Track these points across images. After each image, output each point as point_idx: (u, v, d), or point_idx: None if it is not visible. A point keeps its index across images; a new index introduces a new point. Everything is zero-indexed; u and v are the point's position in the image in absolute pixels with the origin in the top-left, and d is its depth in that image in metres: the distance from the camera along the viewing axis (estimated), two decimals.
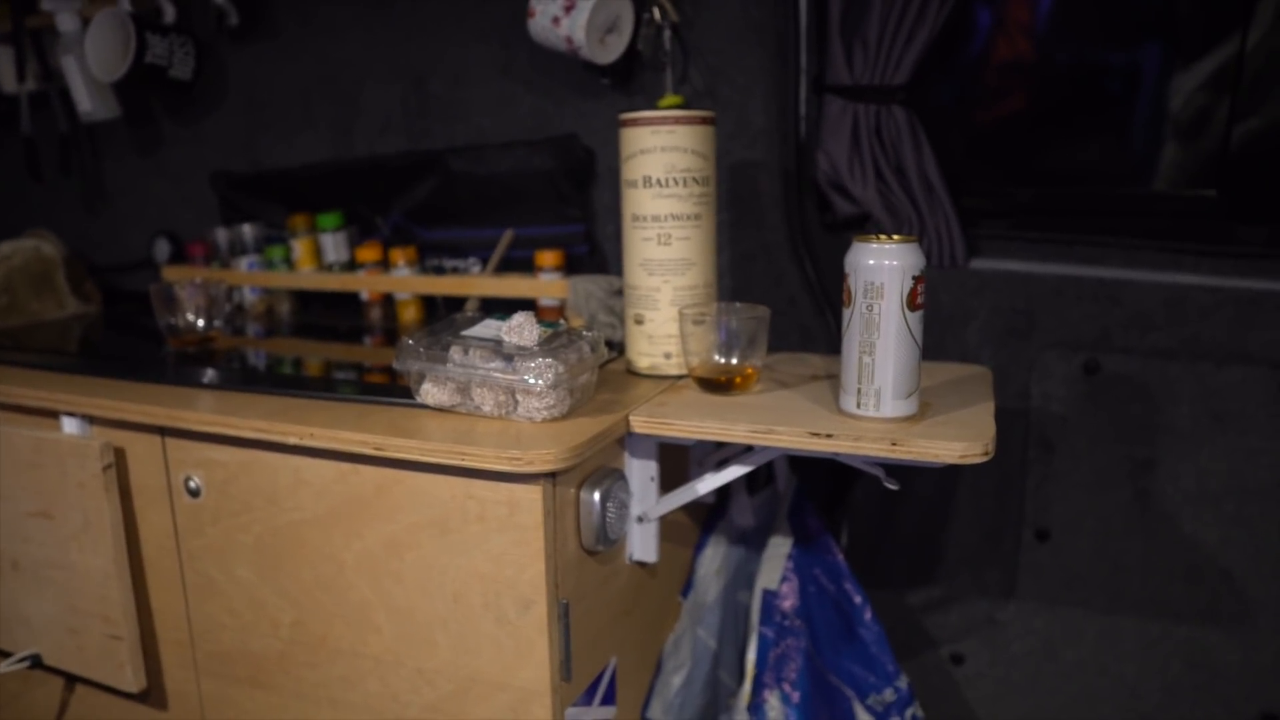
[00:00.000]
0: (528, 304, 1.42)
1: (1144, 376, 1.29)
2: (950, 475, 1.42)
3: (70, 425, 1.15)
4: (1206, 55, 1.29)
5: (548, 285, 1.39)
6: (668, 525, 1.14)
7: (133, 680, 1.16)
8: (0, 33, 1.79)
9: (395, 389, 1.07)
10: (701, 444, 1.12)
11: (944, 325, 1.35)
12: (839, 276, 1.30)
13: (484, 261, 1.50)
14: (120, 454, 1.13)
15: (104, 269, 1.91)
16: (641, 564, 1.11)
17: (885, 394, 0.92)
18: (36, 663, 1.22)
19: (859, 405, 0.93)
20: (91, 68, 1.56)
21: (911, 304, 0.90)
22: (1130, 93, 1.34)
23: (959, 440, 0.87)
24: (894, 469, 0.97)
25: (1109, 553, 1.36)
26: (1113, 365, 1.30)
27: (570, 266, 1.42)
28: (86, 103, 1.68)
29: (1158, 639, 1.36)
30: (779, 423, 0.93)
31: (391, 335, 1.51)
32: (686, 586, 1.28)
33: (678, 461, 1.16)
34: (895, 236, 0.91)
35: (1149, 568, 1.34)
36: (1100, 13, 1.33)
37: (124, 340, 1.61)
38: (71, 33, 1.65)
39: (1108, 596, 1.37)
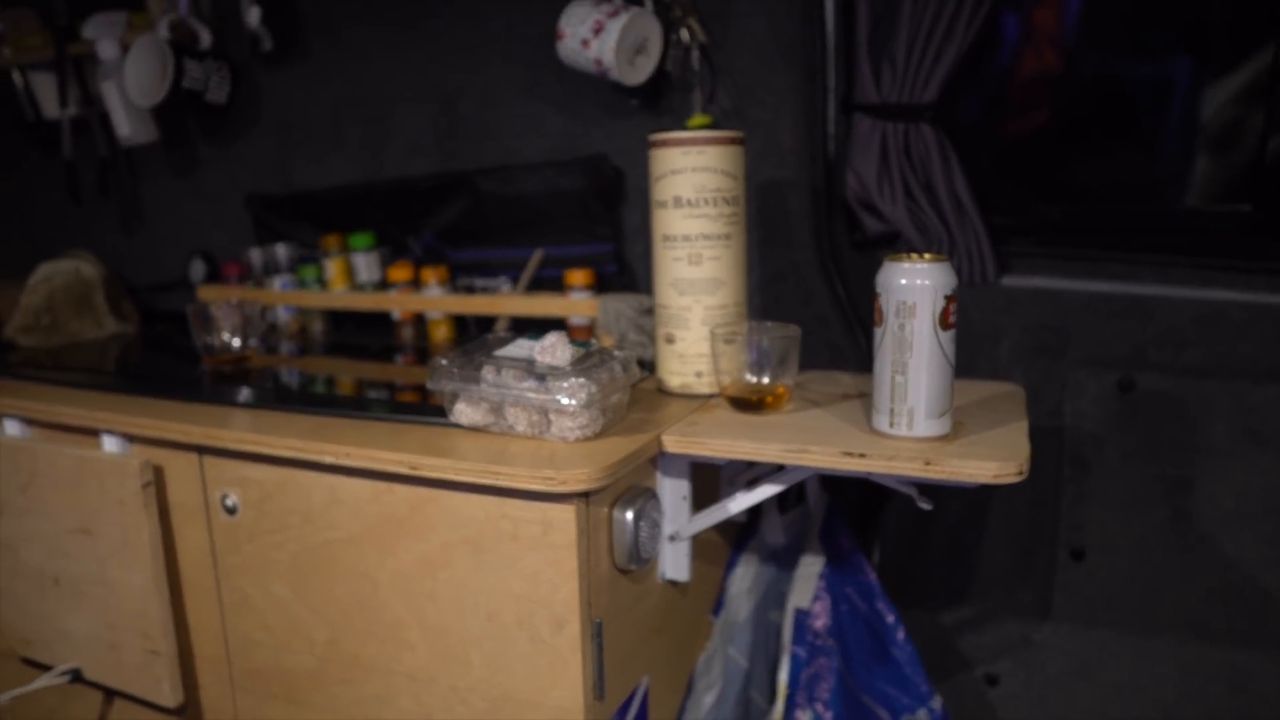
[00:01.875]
0: (558, 323, 1.43)
1: (1179, 394, 1.28)
2: (982, 494, 1.41)
3: (110, 444, 1.17)
4: (1239, 66, 1.28)
5: (578, 304, 1.40)
6: (699, 544, 1.14)
7: (170, 695, 1.17)
8: (43, 60, 1.83)
9: (427, 408, 1.09)
10: (733, 463, 1.12)
11: (975, 343, 1.35)
12: (868, 295, 1.29)
13: (514, 281, 1.51)
14: (159, 472, 1.14)
15: (140, 289, 1.94)
16: (673, 583, 1.11)
17: (918, 413, 0.92)
18: (77, 677, 1.24)
19: (892, 424, 0.93)
20: (130, 93, 1.60)
21: (944, 323, 0.90)
22: (1161, 106, 1.33)
23: (993, 460, 0.87)
24: (926, 488, 0.96)
25: (1146, 573, 1.34)
26: (1147, 383, 1.29)
27: (600, 285, 1.43)
28: (125, 127, 1.71)
29: (1196, 661, 1.34)
30: (812, 442, 0.93)
31: (423, 354, 1.52)
32: (718, 605, 1.28)
33: (709, 480, 1.16)
34: (927, 255, 0.91)
35: (1187, 588, 1.32)
36: (1129, 24, 1.32)
37: (161, 359, 1.63)
38: (111, 60, 1.68)
39: (1145, 617, 1.35)
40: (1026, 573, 1.41)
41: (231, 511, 1.10)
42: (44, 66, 1.85)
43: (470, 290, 1.54)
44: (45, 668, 1.27)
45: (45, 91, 1.88)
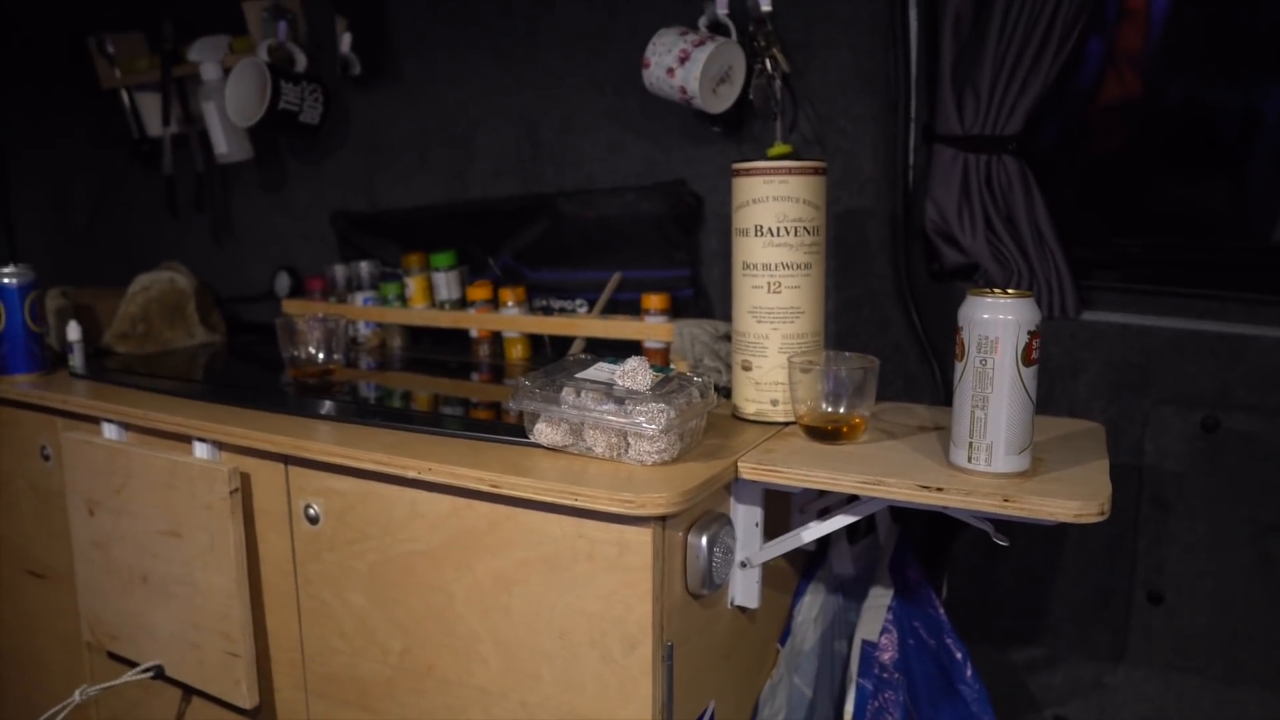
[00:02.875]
0: (633, 346, 1.45)
1: (1269, 436, 1.24)
2: (1056, 532, 1.38)
3: (201, 450, 1.22)
4: None
5: (653, 328, 1.41)
6: (768, 571, 1.14)
7: (247, 696, 1.21)
8: (149, 81, 1.93)
9: (506, 426, 1.11)
10: (805, 491, 1.12)
11: (1053, 377, 1.33)
12: (945, 326, 1.29)
13: (590, 303, 1.53)
14: (246, 479, 1.18)
15: (227, 300, 2.02)
16: (742, 609, 1.11)
17: (997, 449, 0.91)
18: (159, 674, 1.29)
19: (970, 459, 0.93)
20: (230, 113, 1.66)
21: (1026, 359, 0.90)
22: (1251, 135, 1.30)
23: (1074, 499, 0.86)
24: (1000, 524, 0.95)
25: (1229, 619, 1.30)
26: (1233, 423, 1.26)
27: (675, 310, 1.45)
28: (223, 145, 1.79)
29: None
30: (888, 474, 0.93)
31: (498, 371, 1.55)
32: (784, 634, 1.28)
33: (780, 507, 1.16)
34: (1010, 290, 0.90)
35: (1274, 638, 1.28)
36: (1217, 50, 1.30)
37: (247, 369, 1.69)
38: (213, 81, 1.76)
39: (1227, 665, 1.31)
40: (1101, 613, 1.38)
41: (314, 521, 1.14)
42: (149, 87, 1.95)
43: (547, 311, 1.57)
44: (130, 663, 1.31)
45: (149, 110, 1.97)
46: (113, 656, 1.36)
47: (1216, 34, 1.30)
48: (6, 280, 1.46)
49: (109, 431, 1.32)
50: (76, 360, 1.52)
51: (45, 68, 2.17)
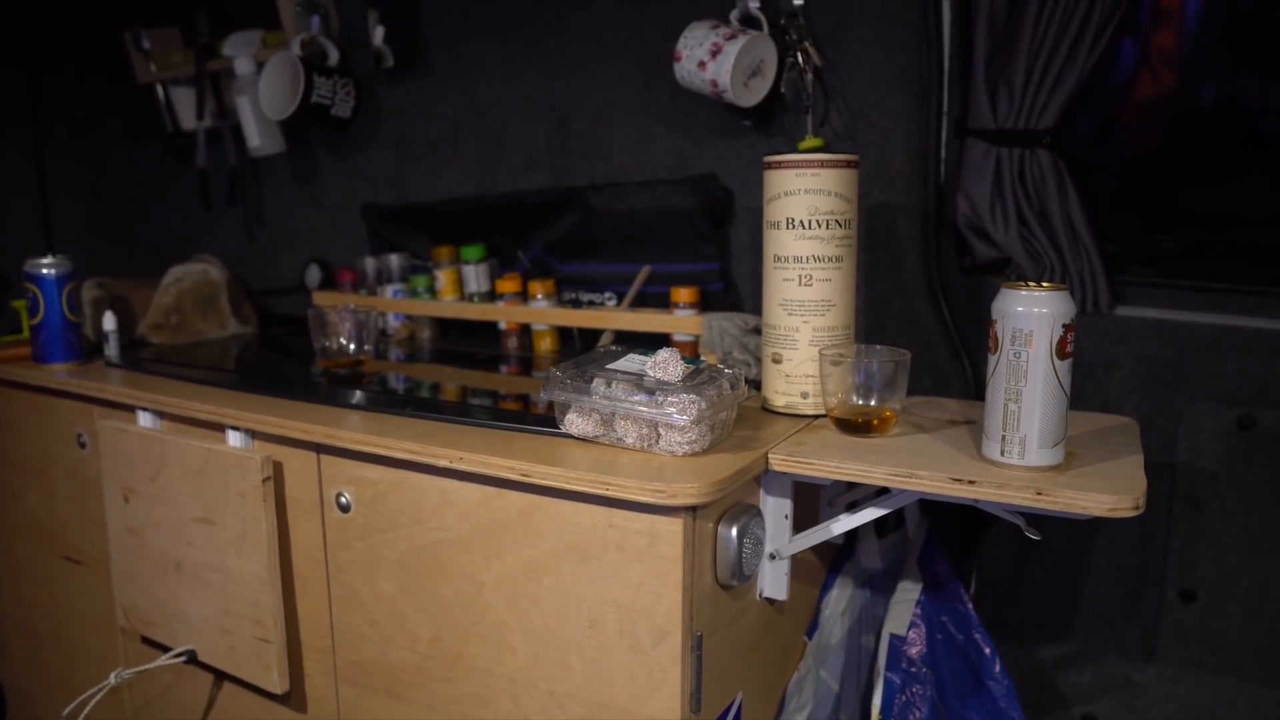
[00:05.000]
0: (662, 339, 1.45)
1: None
2: (1087, 528, 1.37)
3: (235, 439, 1.23)
4: None
5: (682, 321, 1.41)
6: (796, 564, 1.14)
7: (278, 682, 1.22)
8: (184, 75, 1.95)
9: (536, 417, 1.11)
10: (835, 484, 1.12)
11: (1085, 373, 1.32)
12: (976, 320, 1.28)
13: (619, 296, 1.54)
14: (278, 468, 1.20)
15: (258, 292, 2.04)
16: (771, 601, 1.11)
17: (1030, 442, 0.91)
18: (191, 658, 1.31)
19: (1003, 453, 0.92)
20: (264, 107, 1.68)
21: (1061, 352, 0.89)
22: None
23: (1108, 493, 0.85)
24: (1032, 519, 0.95)
25: (1265, 619, 1.29)
26: (1271, 421, 1.24)
27: (705, 303, 1.45)
28: (256, 139, 1.81)
29: None
30: (920, 467, 0.93)
31: (527, 364, 1.56)
32: (811, 627, 1.28)
33: (809, 500, 1.16)
34: (1045, 284, 0.90)
35: None
36: (1251, 44, 1.28)
37: (279, 360, 1.71)
38: (247, 75, 1.78)
39: (1262, 665, 1.30)
40: (1132, 611, 1.36)
41: (345, 509, 1.15)
42: (184, 81, 1.97)
43: (576, 304, 1.57)
44: (163, 648, 1.33)
45: (184, 104, 1.99)
46: (146, 641, 1.38)
47: (1251, 32, 1.29)
48: (45, 271, 1.48)
49: (144, 420, 1.34)
50: (112, 350, 1.54)
51: (82, 62, 2.20)
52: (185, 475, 1.26)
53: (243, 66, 1.78)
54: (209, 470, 1.23)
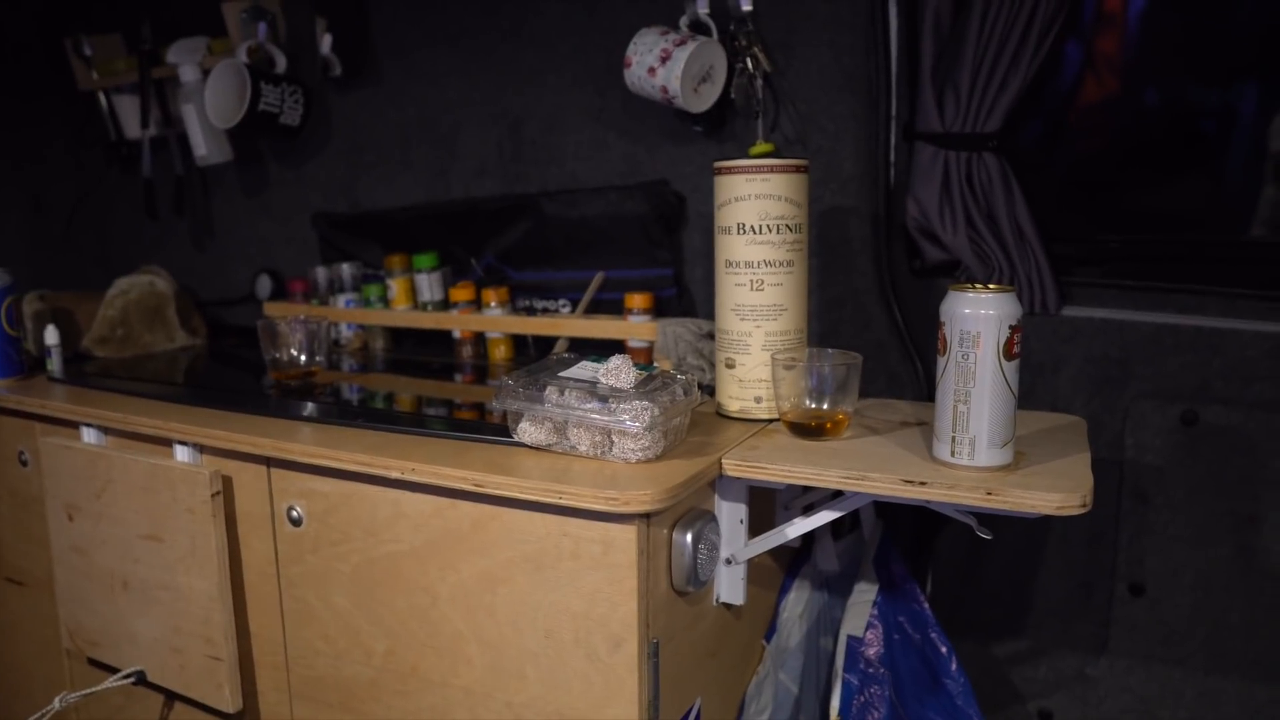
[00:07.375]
0: (617, 345, 1.45)
1: (1246, 429, 1.25)
2: (1039, 526, 1.39)
3: (182, 453, 1.21)
4: None
5: (637, 327, 1.41)
6: (753, 568, 1.14)
7: (230, 701, 1.20)
8: (127, 83, 1.91)
9: (489, 426, 1.11)
10: (790, 488, 1.13)
11: (1034, 372, 1.34)
12: (927, 322, 1.29)
13: (574, 303, 1.53)
14: (227, 482, 1.18)
15: (208, 303, 2.00)
16: (728, 606, 1.11)
17: (980, 442, 0.92)
18: (141, 679, 1.28)
19: (953, 454, 0.93)
20: (209, 115, 1.65)
21: (1008, 353, 0.90)
22: (1228, 133, 1.31)
23: (1056, 491, 0.87)
24: (984, 518, 0.96)
25: (1210, 610, 1.31)
26: (1212, 417, 1.27)
27: (659, 309, 1.45)
28: (203, 148, 1.77)
29: (1264, 704, 1.30)
30: (872, 469, 0.94)
31: (482, 372, 1.55)
32: (770, 630, 1.28)
33: (764, 504, 1.16)
34: (992, 285, 0.91)
35: (1253, 627, 1.29)
36: (1194, 50, 1.31)
37: (229, 372, 1.68)
38: (192, 83, 1.75)
39: (1208, 656, 1.32)
40: (1083, 606, 1.39)
41: (296, 523, 1.13)
42: (127, 89, 1.93)
43: (530, 311, 1.57)
44: (111, 669, 1.30)
45: (127, 113, 1.95)
46: (93, 663, 1.35)
47: (1191, 36, 1.32)
48: None
49: (88, 436, 1.31)
50: (55, 364, 1.50)
51: (21, 69, 2.15)
52: (131, 492, 1.23)
53: (187, 74, 1.75)
54: (156, 486, 1.20)
